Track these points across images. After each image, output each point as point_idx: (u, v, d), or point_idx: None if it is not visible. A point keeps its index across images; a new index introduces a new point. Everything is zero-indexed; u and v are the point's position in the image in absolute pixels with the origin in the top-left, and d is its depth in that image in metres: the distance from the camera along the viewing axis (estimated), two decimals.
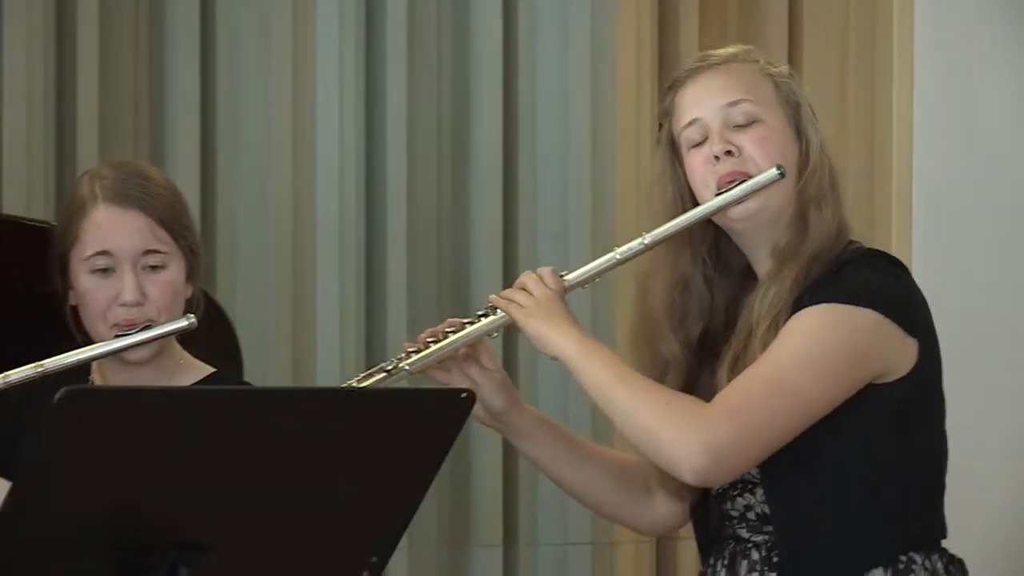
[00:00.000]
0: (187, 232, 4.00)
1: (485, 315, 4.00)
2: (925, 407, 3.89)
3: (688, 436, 3.73)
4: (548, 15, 6.50)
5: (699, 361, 3.96)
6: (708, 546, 4.02)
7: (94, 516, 3.25)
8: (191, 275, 3.96)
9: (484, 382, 4.01)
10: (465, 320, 4.05)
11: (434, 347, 3.98)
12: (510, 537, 6.39)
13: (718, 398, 3.80)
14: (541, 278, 3.97)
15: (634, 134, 6.50)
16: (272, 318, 6.09)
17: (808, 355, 3.77)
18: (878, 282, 3.84)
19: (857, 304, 3.78)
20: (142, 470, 3.25)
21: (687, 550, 6.21)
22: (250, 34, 6.19)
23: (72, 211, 4.01)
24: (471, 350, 4.01)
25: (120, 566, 3.23)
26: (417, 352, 3.94)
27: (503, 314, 3.95)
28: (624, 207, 6.48)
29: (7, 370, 3.90)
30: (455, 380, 4.04)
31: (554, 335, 3.88)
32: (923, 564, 3.81)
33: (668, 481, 3.96)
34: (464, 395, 3.39)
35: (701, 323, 3.98)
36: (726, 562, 3.95)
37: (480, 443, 6.28)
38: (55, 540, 3.29)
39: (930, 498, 3.90)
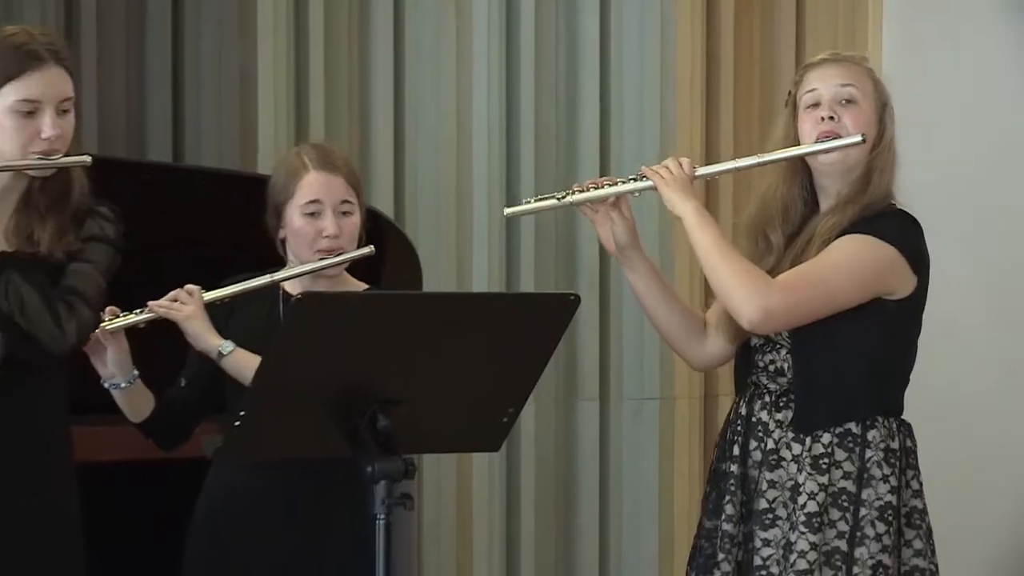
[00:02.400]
0: (362, 190, 4.50)
1: (634, 179, 4.44)
2: (909, 324, 4.42)
3: (752, 297, 4.24)
4: (629, 28, 7.07)
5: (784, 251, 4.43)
6: (742, 387, 4.50)
7: (319, 381, 3.69)
8: (362, 221, 4.46)
9: (620, 223, 4.43)
10: (619, 179, 4.52)
11: (593, 192, 4.43)
12: (604, 394, 7.04)
13: (779, 278, 4.28)
14: (680, 163, 4.42)
15: (688, 113, 7.10)
16: (440, 251, 6.70)
17: (844, 264, 4.30)
18: (901, 231, 4.36)
19: (883, 240, 4.31)
20: (351, 349, 3.71)
21: (724, 406, 6.46)
22: (426, 43, 6.81)
23: (288, 175, 4.46)
24: (617, 201, 4.43)
25: (337, 416, 3.70)
26: (582, 192, 4.44)
27: (647, 181, 4.40)
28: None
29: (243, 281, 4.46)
30: (600, 217, 4.45)
31: (680, 202, 4.33)
32: (883, 423, 4.32)
33: (725, 330, 4.46)
34: (572, 298, 3.89)
35: (791, 227, 4.44)
36: (747, 399, 4.44)
37: (584, 324, 6.83)
38: (292, 396, 3.71)
39: (897, 383, 4.42)
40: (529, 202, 4.61)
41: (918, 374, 4.46)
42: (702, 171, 4.45)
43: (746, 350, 4.45)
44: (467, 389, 3.85)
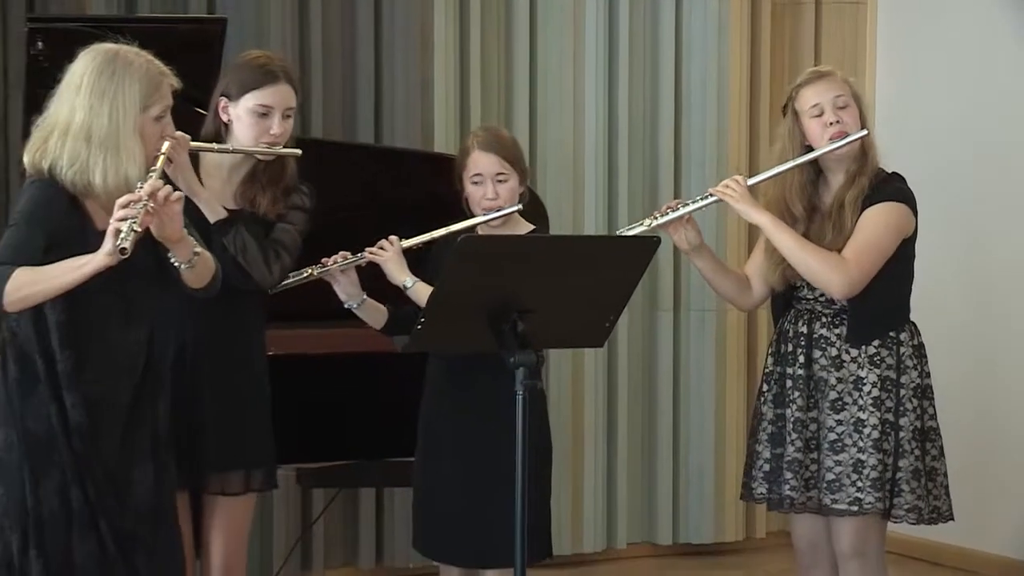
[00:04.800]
0: (518, 163, 4.30)
1: (701, 199, 4.33)
2: (912, 253, 4.34)
3: (836, 275, 4.15)
4: (696, 36, 6.88)
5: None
6: (782, 310, 4.43)
7: (477, 296, 3.67)
8: (521, 183, 4.30)
9: (690, 230, 4.33)
10: (688, 200, 4.39)
11: (672, 214, 4.31)
12: (676, 306, 6.91)
13: (846, 253, 4.18)
14: (737, 180, 4.27)
15: (736, 111, 6.95)
16: (561, 207, 6.56)
17: (886, 227, 4.23)
18: (902, 190, 4.29)
19: (898, 201, 4.25)
20: (500, 274, 3.69)
21: (761, 317, 6.81)
22: (552, 58, 6.68)
23: (463, 153, 4.34)
24: (690, 218, 4.34)
25: (490, 323, 3.68)
26: (662, 215, 4.32)
27: (715, 198, 4.27)
28: (735, 152, 6.85)
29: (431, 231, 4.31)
30: (680, 230, 4.34)
31: (755, 213, 4.22)
32: (908, 327, 4.30)
33: (769, 283, 4.39)
34: (654, 240, 3.87)
35: (807, 200, 4.31)
36: (805, 321, 4.33)
37: (663, 255, 6.62)
38: (458, 309, 3.70)
39: (909, 296, 4.38)
40: (626, 229, 4.45)
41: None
42: (752, 181, 4.31)
43: (787, 288, 4.38)
44: (580, 303, 3.82)
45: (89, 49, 3.57)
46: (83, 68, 3.54)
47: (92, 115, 3.49)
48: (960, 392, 6.25)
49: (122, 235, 3.30)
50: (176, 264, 3.57)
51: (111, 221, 3.35)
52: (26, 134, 4.42)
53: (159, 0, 5.93)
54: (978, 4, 6.72)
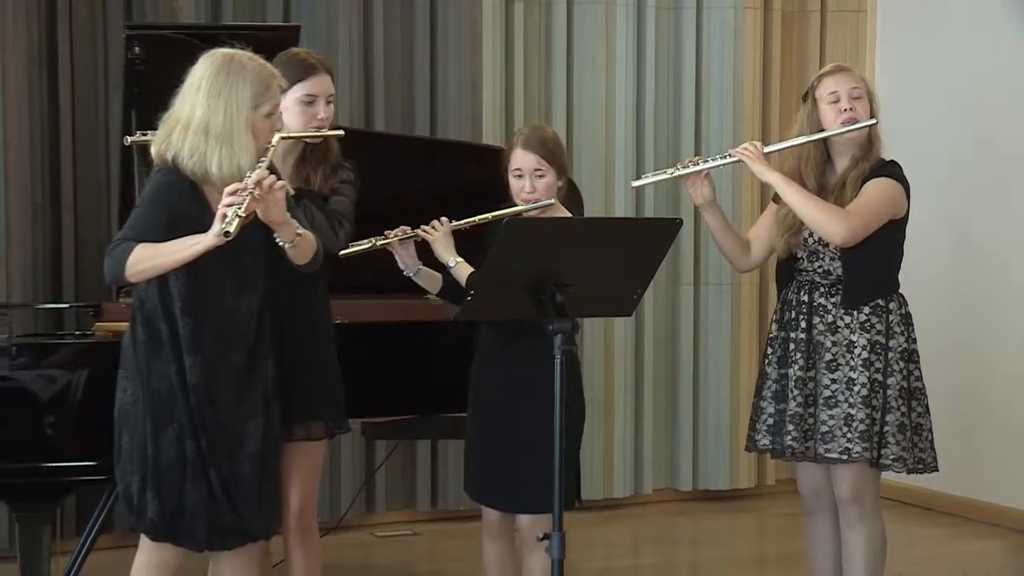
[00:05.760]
0: (556, 160, 4.15)
1: (721, 157, 4.25)
2: (903, 232, 4.27)
3: (839, 225, 4.08)
4: (712, 50, 6.88)
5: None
6: (785, 281, 4.34)
7: (520, 271, 3.66)
8: (559, 178, 4.16)
9: (706, 187, 4.24)
10: (708, 157, 4.29)
11: (692, 168, 4.23)
12: (696, 280, 6.92)
13: (849, 208, 4.12)
14: (755, 144, 4.21)
15: (750, 105, 6.92)
16: (593, 191, 6.53)
17: (882, 196, 4.16)
18: (899, 173, 4.23)
19: (895, 179, 4.19)
20: (541, 252, 3.68)
21: (773, 291, 6.17)
22: (586, 60, 6.69)
23: (508, 148, 4.24)
24: (707, 175, 4.26)
25: (531, 295, 3.67)
26: (683, 167, 4.24)
27: (734, 158, 4.20)
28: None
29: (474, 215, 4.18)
30: (697, 185, 4.25)
31: (766, 171, 4.15)
32: (896, 297, 4.24)
33: (764, 252, 4.38)
34: (678, 221, 3.83)
35: (818, 174, 4.24)
36: (806, 290, 4.27)
37: (685, 235, 6.65)
38: (503, 282, 3.69)
39: (898, 270, 4.28)
40: (649, 176, 4.40)
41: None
42: (768, 149, 4.24)
43: (789, 260, 4.32)
44: (611, 277, 3.80)
45: (208, 53, 3.60)
46: (203, 70, 3.58)
47: (210, 112, 3.52)
48: (948, 357, 6.26)
49: (227, 219, 3.35)
50: (281, 243, 3.61)
51: (219, 207, 3.41)
52: (125, 127, 4.54)
53: (241, 10, 5.97)
54: (966, 16, 6.70)
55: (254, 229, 3.51)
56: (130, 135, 4.37)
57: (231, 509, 3.59)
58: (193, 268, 3.47)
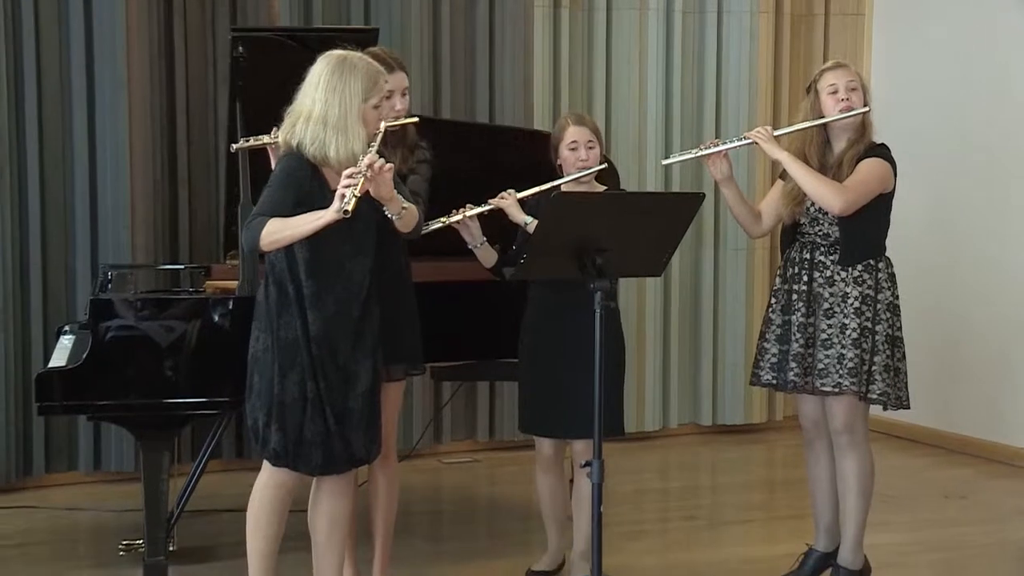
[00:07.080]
0: (599, 136, 4.21)
1: (738, 139, 4.17)
2: (890, 205, 4.18)
3: (837, 197, 4.00)
4: (732, 42, 6.77)
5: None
6: (789, 242, 4.27)
7: (565, 237, 3.61)
8: (601, 152, 4.20)
9: (725, 164, 4.16)
10: (726, 140, 4.23)
11: (713, 148, 4.15)
12: (716, 243, 6.83)
13: (846, 183, 4.04)
14: (766, 128, 4.16)
15: (763, 97, 6.86)
16: (629, 169, 6.42)
17: (872, 173, 4.08)
18: (888, 154, 4.14)
19: (885, 160, 4.12)
20: (582, 219, 3.64)
21: (779, 255, 6.33)
22: (622, 55, 6.55)
23: (559, 128, 4.23)
24: (726, 154, 4.18)
25: (575, 260, 3.62)
26: (706, 148, 4.19)
27: (748, 140, 4.12)
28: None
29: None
30: (717, 163, 4.16)
31: (776, 150, 4.08)
32: (883, 258, 4.16)
33: (773, 221, 4.30)
34: (701, 195, 3.86)
35: (819, 154, 4.15)
36: (808, 249, 4.20)
37: (707, 206, 6.62)
38: (551, 248, 3.64)
39: (885, 236, 4.20)
40: (676, 155, 4.33)
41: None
42: (779, 132, 4.16)
43: (793, 226, 4.25)
44: (642, 242, 3.74)
45: (325, 54, 3.60)
46: (320, 69, 3.57)
47: (327, 106, 3.52)
48: (925, 310, 6.22)
49: (345, 199, 3.36)
50: (389, 215, 3.60)
51: (339, 188, 3.41)
52: (231, 119, 4.49)
53: (329, 14, 5.90)
54: (956, 20, 6.56)
55: (364, 202, 3.49)
56: (235, 124, 4.34)
57: (342, 440, 3.60)
58: (315, 239, 3.48)
